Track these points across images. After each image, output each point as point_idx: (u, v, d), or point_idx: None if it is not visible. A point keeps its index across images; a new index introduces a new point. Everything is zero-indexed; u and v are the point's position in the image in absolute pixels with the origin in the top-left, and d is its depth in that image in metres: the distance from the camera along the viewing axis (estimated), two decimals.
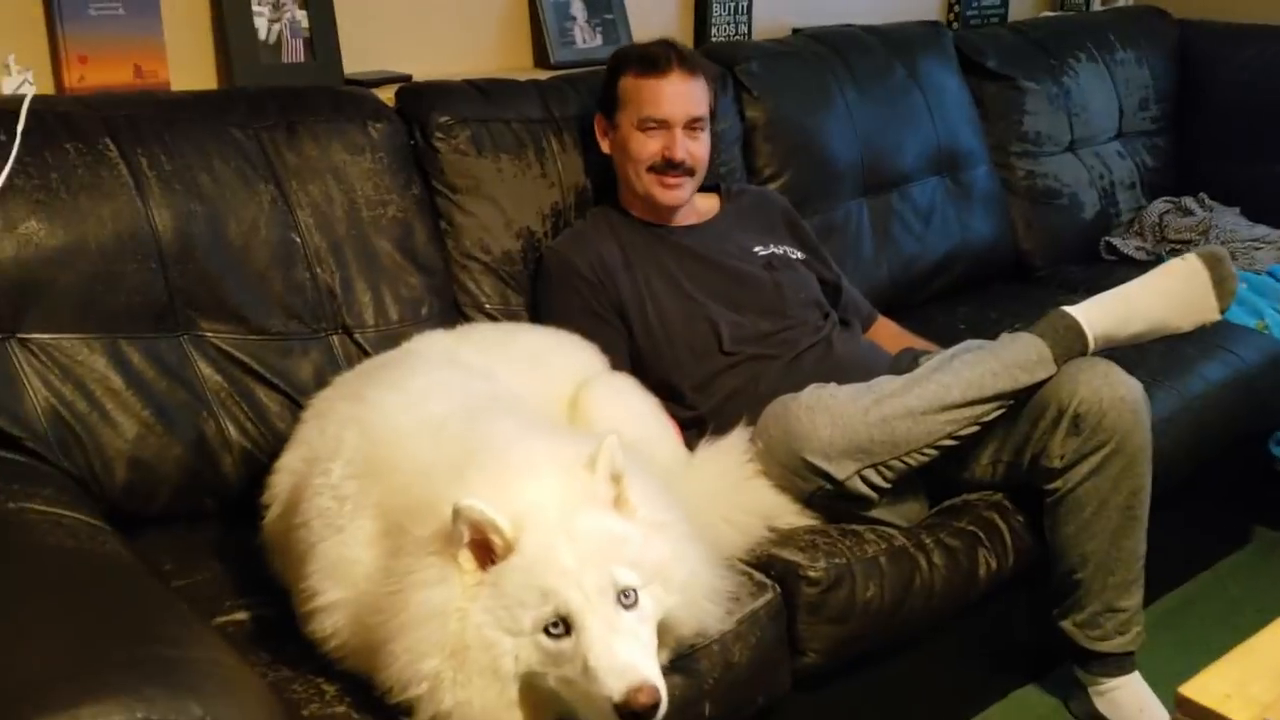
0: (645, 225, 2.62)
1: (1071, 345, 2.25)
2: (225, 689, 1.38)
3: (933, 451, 2.19)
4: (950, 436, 2.19)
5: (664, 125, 2.50)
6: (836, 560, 2.09)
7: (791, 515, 2.20)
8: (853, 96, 3.19)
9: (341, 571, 1.67)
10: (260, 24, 2.63)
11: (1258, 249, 3.45)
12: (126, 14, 2.46)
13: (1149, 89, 3.90)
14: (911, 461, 2.18)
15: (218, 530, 2.13)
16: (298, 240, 2.34)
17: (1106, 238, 3.66)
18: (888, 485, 2.20)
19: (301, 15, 2.67)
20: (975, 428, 2.21)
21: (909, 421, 2.15)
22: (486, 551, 1.51)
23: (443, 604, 1.50)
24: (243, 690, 1.42)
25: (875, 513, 2.26)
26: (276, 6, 2.64)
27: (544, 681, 1.49)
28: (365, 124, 2.46)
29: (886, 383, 2.22)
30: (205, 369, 2.21)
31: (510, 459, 1.59)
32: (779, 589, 2.02)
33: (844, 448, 2.13)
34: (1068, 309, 2.28)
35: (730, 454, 2.19)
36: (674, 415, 2.33)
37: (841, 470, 2.15)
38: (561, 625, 1.45)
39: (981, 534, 2.32)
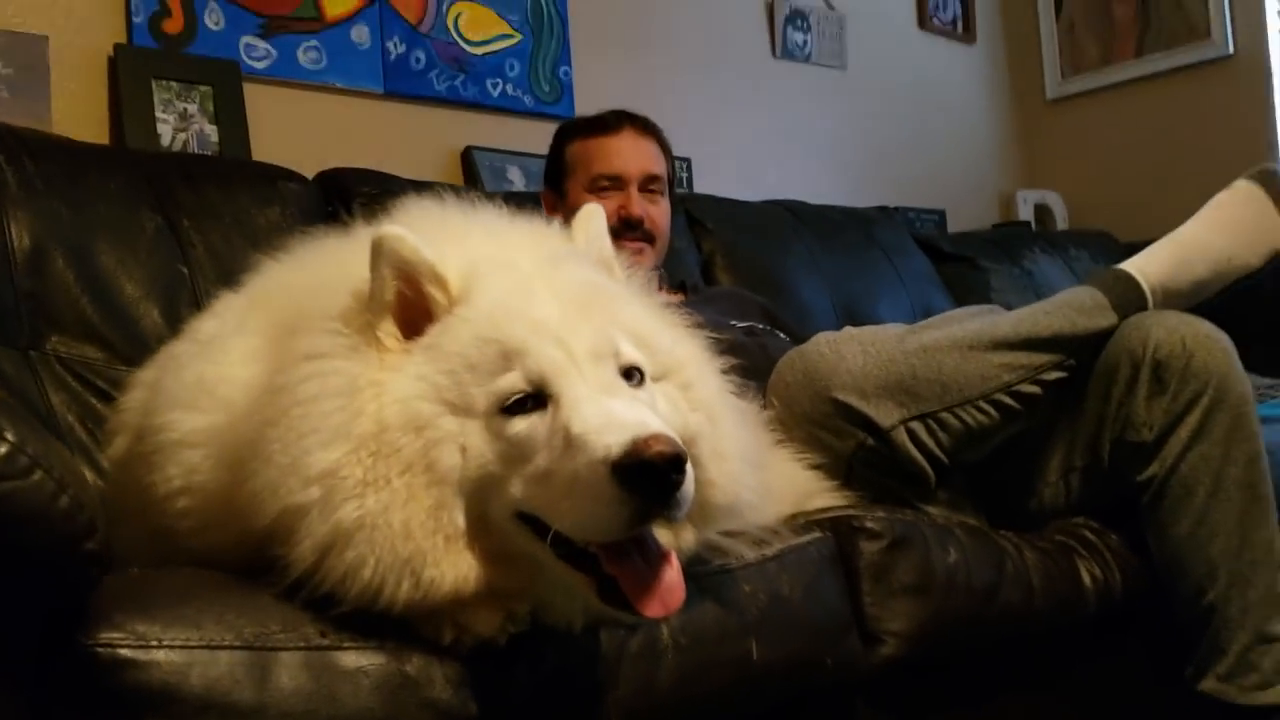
0: None
1: (1127, 296, 1.87)
2: None
3: (991, 411, 1.75)
4: (1008, 391, 1.76)
5: (618, 183, 2.25)
6: (900, 516, 1.57)
7: (827, 496, 1.70)
8: (813, 243, 3.04)
9: (205, 392, 1.17)
10: (164, 131, 2.40)
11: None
12: (11, 97, 2.21)
13: None
14: (969, 419, 1.73)
15: None
16: (186, 273, 1.95)
17: None
18: (943, 456, 1.73)
19: (211, 130, 2.45)
20: (1035, 388, 1.78)
21: (956, 356, 1.73)
22: (420, 322, 1.08)
23: (350, 380, 1.04)
24: None
25: (932, 509, 1.74)
26: (183, 116, 2.42)
27: (503, 495, 1.02)
28: (275, 181, 2.19)
29: (919, 324, 1.80)
30: (54, 393, 1.73)
31: (463, 223, 1.21)
32: (832, 538, 1.51)
33: (882, 381, 1.69)
34: (1116, 266, 1.93)
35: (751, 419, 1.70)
36: None
37: (883, 414, 1.68)
38: (530, 401, 1.02)
39: (1076, 544, 1.83)
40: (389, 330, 1.06)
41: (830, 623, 1.42)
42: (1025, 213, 4.37)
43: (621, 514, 0.94)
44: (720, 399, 1.23)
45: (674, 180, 2.41)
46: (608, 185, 2.25)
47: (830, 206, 3.32)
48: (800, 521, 1.52)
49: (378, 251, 1.05)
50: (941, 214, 4.17)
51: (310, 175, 2.27)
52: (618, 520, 0.94)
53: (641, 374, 1.10)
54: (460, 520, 1.01)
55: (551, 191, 2.33)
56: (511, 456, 1.01)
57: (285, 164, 2.23)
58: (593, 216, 1.25)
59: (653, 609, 0.99)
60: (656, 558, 1.01)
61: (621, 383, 1.07)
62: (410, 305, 1.07)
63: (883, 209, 3.53)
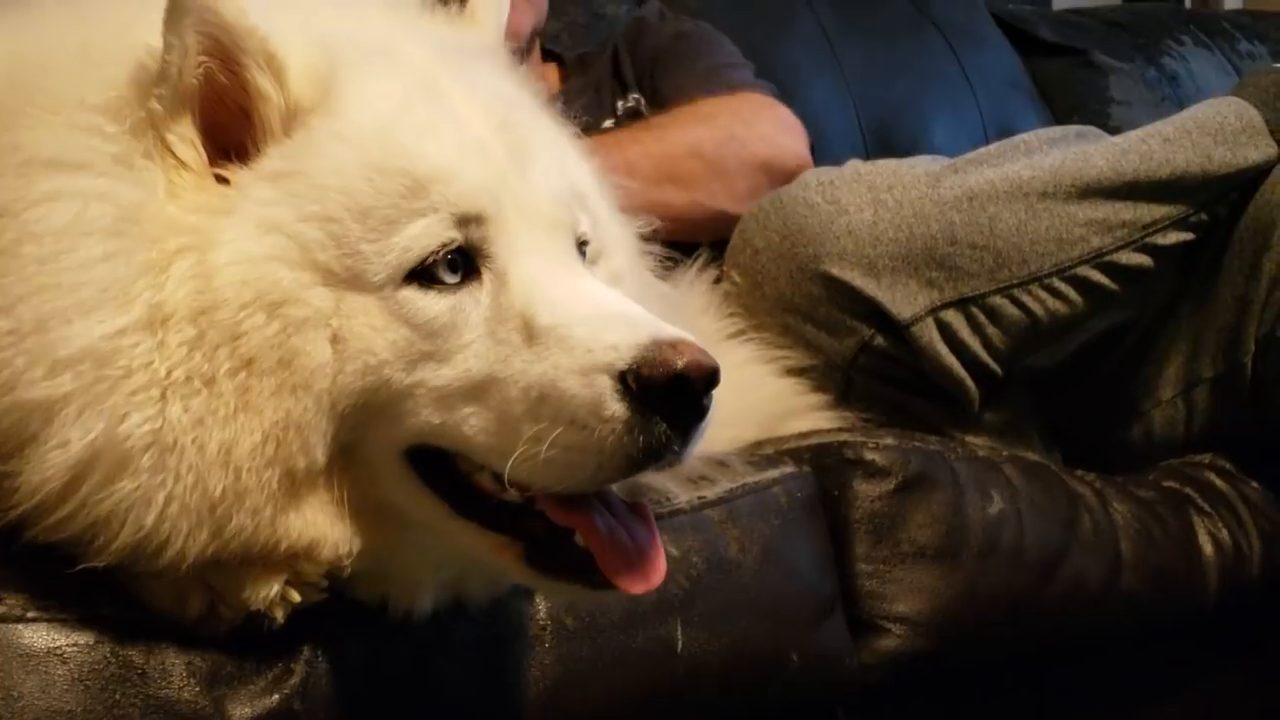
0: None
1: None
2: None
3: (1071, 293, 1.81)
4: (1100, 261, 1.82)
5: None
6: (918, 444, 1.65)
7: (812, 416, 1.77)
8: (832, 20, 3.07)
9: None
10: None
11: None
12: None
13: None
14: (1035, 306, 1.80)
15: None
16: None
17: None
18: (993, 362, 1.80)
19: None
20: (1143, 258, 1.84)
21: (1020, 208, 1.78)
22: (233, 133, 1.09)
23: (125, 212, 1.05)
24: None
25: (974, 439, 1.81)
26: None
27: (399, 417, 1.08)
28: None
29: (967, 158, 1.85)
30: None
31: None
32: (811, 474, 1.60)
33: (902, 249, 1.75)
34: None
35: (687, 300, 1.76)
36: None
37: (902, 300, 1.75)
38: (460, 261, 1.08)
39: (1194, 493, 1.91)
40: (187, 135, 1.07)
41: (802, 601, 1.49)
42: None
43: (627, 449, 1.00)
44: (644, 291, 1.31)
45: None
46: None
47: None
48: (765, 451, 1.57)
49: (180, 7, 1.04)
50: None
51: None
52: (618, 458, 1.01)
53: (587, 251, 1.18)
54: (320, 449, 1.05)
55: None
56: (416, 353, 1.05)
57: None
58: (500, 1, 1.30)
59: (633, 582, 1.05)
60: (620, 509, 1.07)
61: (581, 263, 1.13)
62: (220, 104, 1.08)
63: None
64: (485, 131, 1.11)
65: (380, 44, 1.16)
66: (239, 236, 1.05)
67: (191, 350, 1.02)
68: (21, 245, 1.03)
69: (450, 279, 1.06)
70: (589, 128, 2.17)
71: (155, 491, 1.01)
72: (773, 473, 1.52)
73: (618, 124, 2.26)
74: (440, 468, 1.07)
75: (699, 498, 1.42)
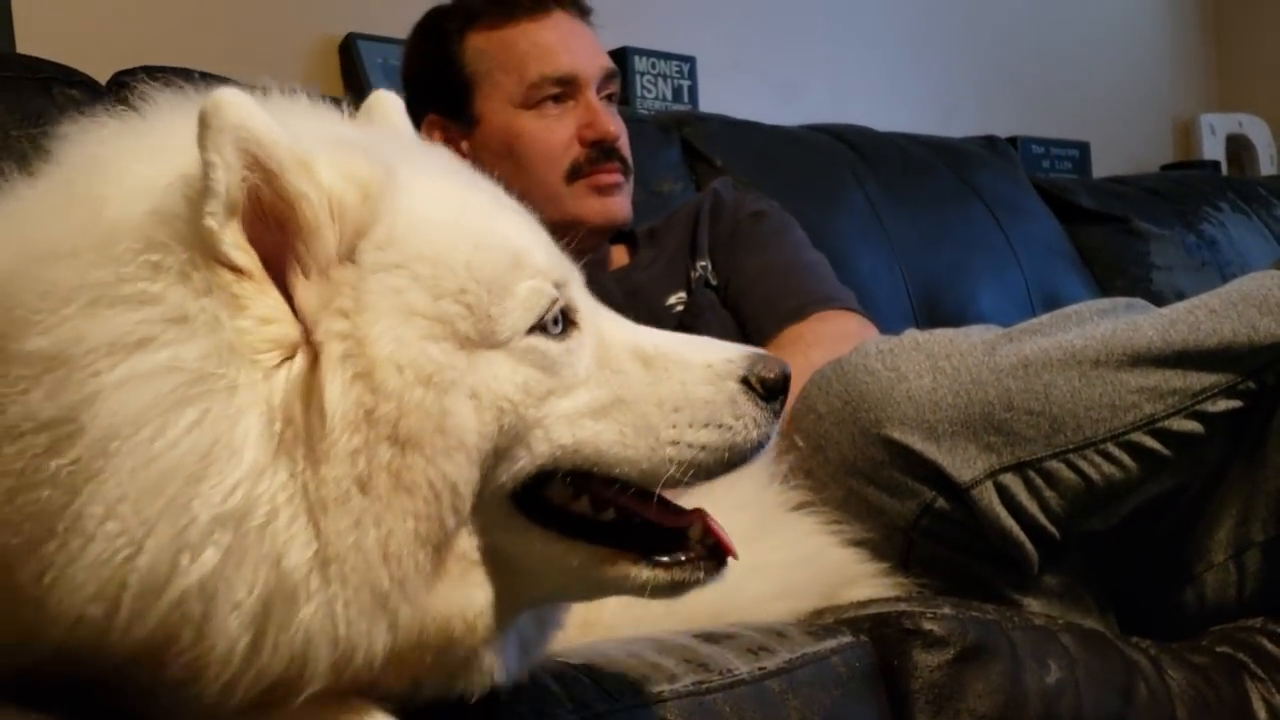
0: None
1: None
2: None
3: (1125, 458, 1.81)
4: (1152, 428, 1.81)
5: (571, 89, 2.33)
6: (976, 613, 1.63)
7: (871, 583, 1.77)
8: (879, 192, 3.11)
9: None
10: None
11: None
12: None
13: None
14: (1091, 471, 1.79)
15: None
16: None
17: None
18: (1050, 525, 1.80)
19: None
20: (1194, 424, 1.83)
21: (1073, 375, 1.79)
22: (278, 244, 1.07)
23: (197, 367, 1.02)
24: None
25: (1032, 603, 1.81)
26: None
27: (530, 448, 1.13)
28: (48, 85, 2.23)
29: (1020, 327, 1.87)
30: None
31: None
32: (870, 645, 1.59)
33: (961, 414, 1.76)
34: None
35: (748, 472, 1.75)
36: None
37: (962, 463, 1.75)
38: (562, 319, 1.17)
39: (1247, 659, 1.88)
40: (241, 243, 1.05)
41: None
42: (1212, 149, 4.42)
43: (753, 439, 1.17)
44: None
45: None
46: (558, 93, 2.32)
47: (908, 136, 3.39)
48: (825, 620, 1.56)
49: (214, 125, 1.02)
50: (1083, 149, 4.22)
51: (104, 78, 2.32)
52: (744, 448, 1.17)
53: None
54: (468, 499, 1.09)
55: (446, 119, 2.38)
56: (544, 390, 1.13)
57: (65, 60, 2.28)
58: (395, 103, 1.32)
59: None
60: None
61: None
62: (259, 218, 1.06)
63: (990, 141, 3.61)
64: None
65: (371, 142, 1.17)
66: (389, 326, 1.07)
67: (357, 456, 1.04)
68: (108, 443, 1.00)
69: (555, 329, 1.14)
70: (653, 304, 2.24)
71: (333, 603, 1.03)
72: (831, 642, 1.50)
73: (690, 294, 2.31)
74: (537, 508, 1.15)
75: (759, 668, 1.40)
